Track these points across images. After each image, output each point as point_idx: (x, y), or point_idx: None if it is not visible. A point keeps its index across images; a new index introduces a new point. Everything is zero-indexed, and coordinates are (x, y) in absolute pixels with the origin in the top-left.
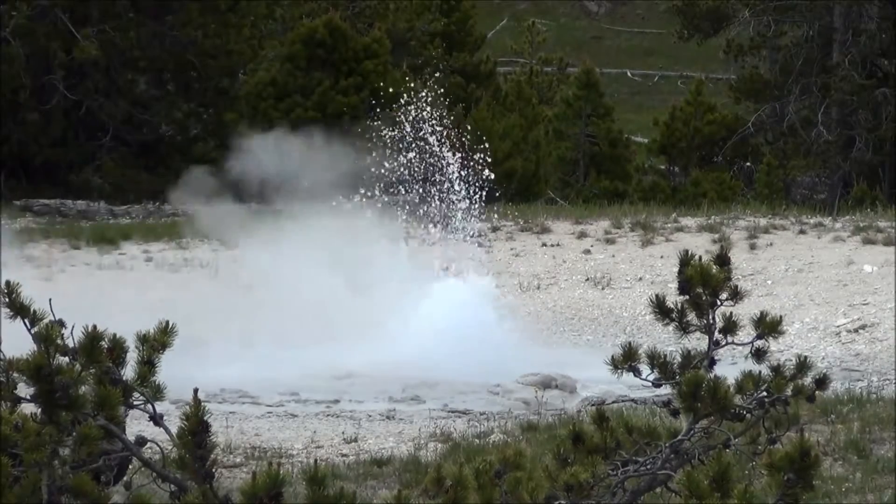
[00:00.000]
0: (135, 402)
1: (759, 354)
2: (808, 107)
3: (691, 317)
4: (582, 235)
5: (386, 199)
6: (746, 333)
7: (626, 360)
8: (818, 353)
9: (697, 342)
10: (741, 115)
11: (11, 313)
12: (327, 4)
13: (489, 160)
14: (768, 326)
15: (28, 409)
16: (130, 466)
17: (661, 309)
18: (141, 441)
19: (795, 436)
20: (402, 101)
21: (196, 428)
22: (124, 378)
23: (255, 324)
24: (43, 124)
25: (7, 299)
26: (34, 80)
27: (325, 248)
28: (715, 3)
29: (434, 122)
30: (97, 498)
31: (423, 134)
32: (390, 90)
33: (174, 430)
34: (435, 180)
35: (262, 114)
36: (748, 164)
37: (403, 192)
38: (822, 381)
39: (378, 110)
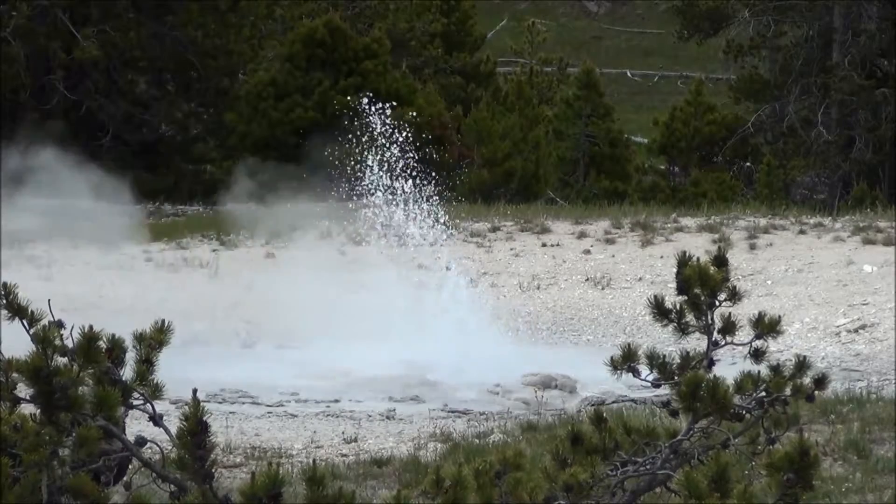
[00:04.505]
0: (134, 402)
1: (757, 355)
2: (808, 107)
3: (690, 317)
4: (582, 235)
5: None
6: (746, 334)
7: (626, 360)
8: (818, 353)
9: (697, 342)
10: (741, 115)
11: (10, 314)
12: (327, 4)
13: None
14: (767, 327)
15: (28, 409)
16: (130, 466)
17: (659, 310)
18: (141, 441)
19: (795, 436)
20: None
21: (196, 428)
22: (124, 378)
23: (255, 323)
24: (43, 124)
25: (5, 300)
26: (34, 80)
27: None
28: (715, 3)
29: None
30: (97, 498)
31: None
32: None
33: (174, 430)
34: None
35: (261, 114)
36: (748, 164)
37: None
38: (821, 381)
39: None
